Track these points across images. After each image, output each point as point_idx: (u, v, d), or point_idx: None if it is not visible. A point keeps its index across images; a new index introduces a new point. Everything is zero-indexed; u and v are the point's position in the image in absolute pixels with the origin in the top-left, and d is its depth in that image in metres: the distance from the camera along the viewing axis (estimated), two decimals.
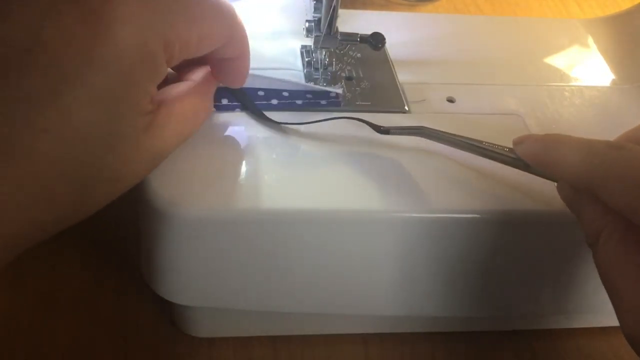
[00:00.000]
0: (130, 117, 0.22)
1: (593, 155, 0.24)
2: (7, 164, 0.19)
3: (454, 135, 0.30)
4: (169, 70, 0.28)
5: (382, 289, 0.31)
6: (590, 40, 0.42)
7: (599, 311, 0.33)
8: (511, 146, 0.28)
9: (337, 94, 0.33)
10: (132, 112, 0.22)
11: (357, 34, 0.34)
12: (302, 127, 0.31)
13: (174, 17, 0.22)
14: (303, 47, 0.36)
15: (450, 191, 0.29)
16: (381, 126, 0.30)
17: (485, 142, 0.29)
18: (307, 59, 0.35)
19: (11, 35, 0.20)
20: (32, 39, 0.20)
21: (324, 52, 0.34)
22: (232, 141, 0.30)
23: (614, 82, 0.38)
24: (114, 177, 0.22)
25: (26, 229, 0.21)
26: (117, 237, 0.37)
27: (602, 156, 0.24)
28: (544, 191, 0.29)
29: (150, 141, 0.23)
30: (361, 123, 0.32)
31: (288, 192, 0.28)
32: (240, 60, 0.28)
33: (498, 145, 0.29)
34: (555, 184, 0.27)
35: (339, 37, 0.33)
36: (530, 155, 0.27)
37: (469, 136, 0.29)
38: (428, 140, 0.31)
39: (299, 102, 0.32)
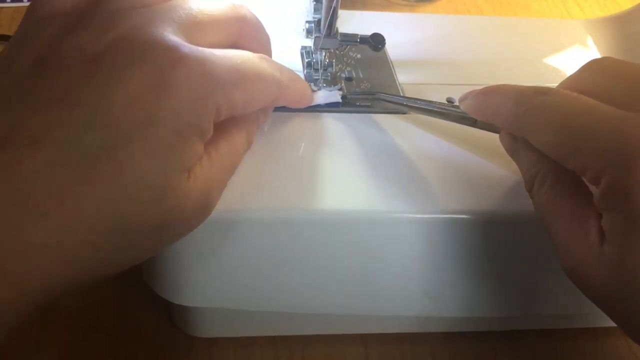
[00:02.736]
0: (177, 170, 0.23)
1: (521, 101, 0.26)
2: (57, 210, 0.20)
3: (405, 97, 0.33)
4: None
5: (383, 289, 0.31)
6: (590, 41, 0.42)
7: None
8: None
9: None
10: (179, 166, 0.23)
11: (357, 34, 0.34)
12: (304, 127, 0.31)
13: (226, 82, 0.24)
14: (303, 47, 0.36)
15: (458, 192, 0.29)
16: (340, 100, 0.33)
17: (435, 102, 0.31)
18: (307, 60, 0.35)
19: (81, 96, 0.21)
20: (100, 100, 0.21)
21: (324, 53, 0.34)
22: None
23: None
24: (157, 224, 0.23)
25: (69, 273, 0.22)
26: None
27: (528, 102, 0.25)
28: None
29: (192, 187, 0.24)
30: (366, 123, 0.32)
31: (288, 193, 0.28)
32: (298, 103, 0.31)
33: (446, 104, 0.31)
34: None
35: (338, 37, 0.33)
36: (473, 109, 0.29)
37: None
38: (436, 141, 0.31)
39: None
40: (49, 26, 0.24)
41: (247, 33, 0.28)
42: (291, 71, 0.30)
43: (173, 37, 0.23)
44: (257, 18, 0.29)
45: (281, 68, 0.28)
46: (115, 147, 0.21)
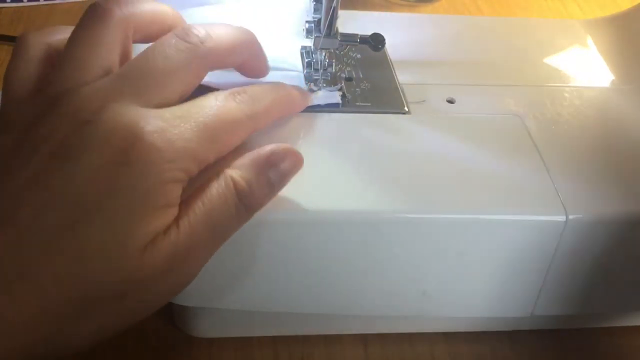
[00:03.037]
0: (139, 238, 0.23)
1: None
2: (20, 282, 0.22)
3: None
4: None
5: (383, 289, 0.31)
6: (590, 41, 0.42)
7: None
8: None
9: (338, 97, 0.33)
10: (142, 236, 0.23)
11: (357, 34, 0.34)
12: (304, 128, 0.31)
13: (189, 144, 0.24)
14: (303, 47, 0.36)
15: (459, 191, 0.29)
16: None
17: None
18: (307, 60, 0.35)
19: (45, 179, 0.23)
20: (61, 181, 0.23)
21: (324, 53, 0.34)
22: None
23: (613, 82, 0.38)
24: (121, 294, 0.24)
25: (29, 342, 0.22)
26: None
27: None
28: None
29: (150, 256, 0.24)
30: (366, 123, 0.32)
31: (287, 193, 0.28)
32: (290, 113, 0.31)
33: None
34: None
35: (338, 38, 0.33)
36: None
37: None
38: (437, 141, 0.31)
39: None
40: (23, 111, 0.25)
41: (219, 63, 0.28)
42: (271, 87, 0.29)
43: (132, 111, 0.24)
44: (226, 38, 0.28)
45: (253, 96, 0.27)
46: (74, 223, 0.22)
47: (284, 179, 0.27)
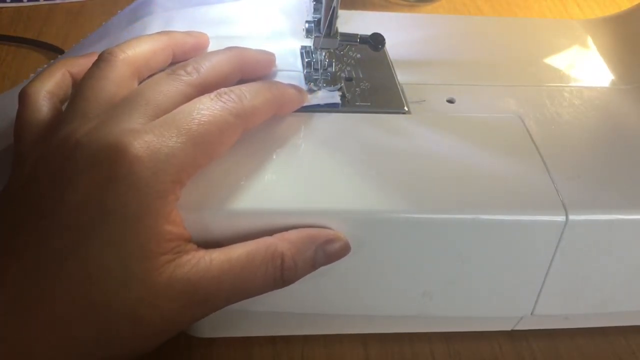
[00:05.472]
0: (141, 258, 0.23)
1: None
2: (40, 309, 0.23)
3: None
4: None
5: (383, 289, 0.31)
6: (590, 41, 0.42)
7: None
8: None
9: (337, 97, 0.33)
10: (143, 254, 0.23)
11: (357, 34, 0.34)
12: (304, 128, 0.31)
13: (178, 152, 0.24)
14: (303, 47, 0.36)
15: (459, 191, 0.29)
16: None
17: None
18: (307, 60, 0.35)
19: (44, 206, 0.24)
20: (58, 206, 0.23)
21: (324, 53, 0.34)
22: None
23: (613, 82, 0.38)
24: (133, 317, 0.24)
25: None
26: None
27: None
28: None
29: (166, 281, 0.24)
30: (366, 123, 0.32)
31: (287, 193, 0.28)
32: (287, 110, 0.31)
33: None
34: None
35: (338, 37, 0.33)
36: None
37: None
38: (437, 141, 0.31)
39: None
40: (33, 150, 0.26)
41: (216, 88, 0.28)
42: (264, 85, 0.29)
43: (120, 128, 0.24)
44: (219, 67, 0.29)
45: (241, 95, 0.27)
46: (75, 248, 0.23)
47: (328, 260, 0.28)
